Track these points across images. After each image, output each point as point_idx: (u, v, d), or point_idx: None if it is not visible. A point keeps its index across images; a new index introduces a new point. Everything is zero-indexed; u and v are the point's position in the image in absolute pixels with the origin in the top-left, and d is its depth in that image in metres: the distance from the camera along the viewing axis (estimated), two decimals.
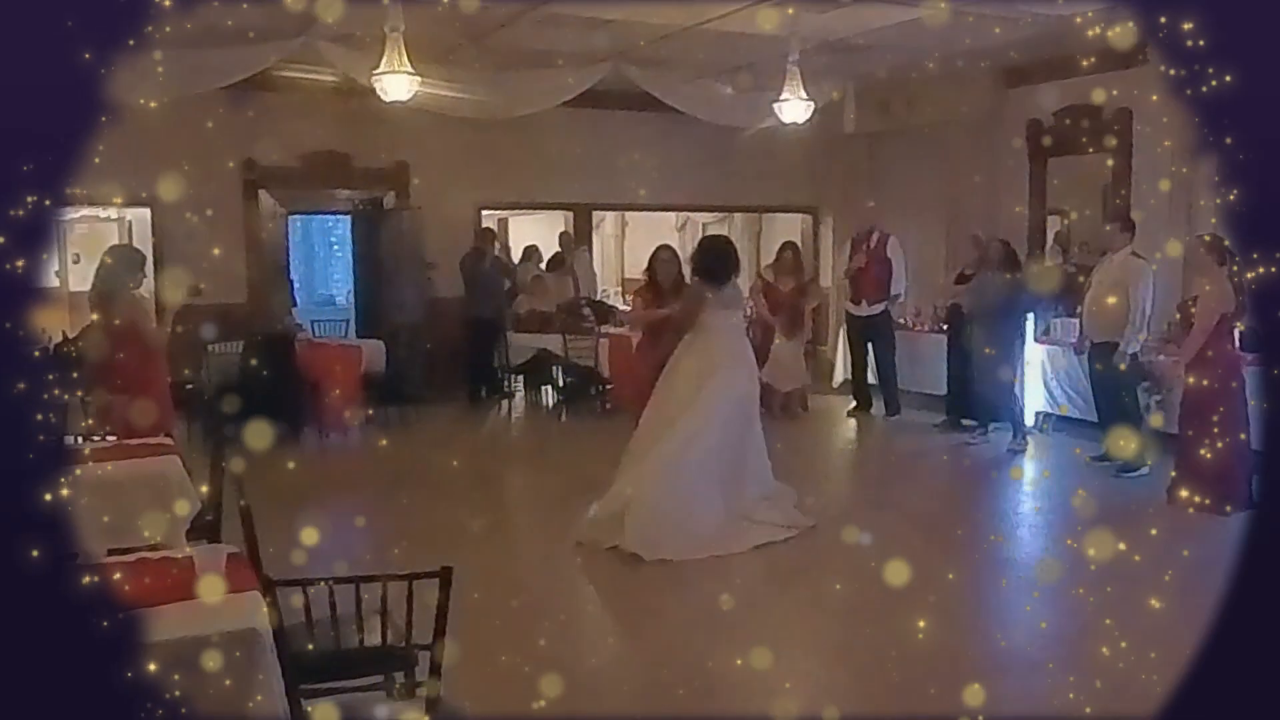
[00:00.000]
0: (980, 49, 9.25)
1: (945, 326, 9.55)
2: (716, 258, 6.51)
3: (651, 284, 6.98)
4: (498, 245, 12.37)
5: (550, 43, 8.89)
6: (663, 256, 7.04)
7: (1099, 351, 7.53)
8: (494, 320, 10.85)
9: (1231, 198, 2.15)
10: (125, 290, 5.52)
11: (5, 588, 2.01)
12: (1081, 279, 8.51)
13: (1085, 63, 9.64)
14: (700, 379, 6.18)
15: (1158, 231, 8.77)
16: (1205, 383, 6.42)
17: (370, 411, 9.61)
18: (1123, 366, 7.37)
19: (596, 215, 14.18)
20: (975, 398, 8.67)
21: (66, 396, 5.70)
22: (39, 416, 2.09)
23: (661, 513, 5.89)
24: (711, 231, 16.80)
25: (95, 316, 5.67)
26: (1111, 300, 7.42)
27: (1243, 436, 6.46)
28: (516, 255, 13.28)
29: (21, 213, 2.03)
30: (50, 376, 2.33)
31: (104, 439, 5.17)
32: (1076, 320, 8.71)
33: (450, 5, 7.66)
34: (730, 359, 6.33)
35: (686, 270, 6.82)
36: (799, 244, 11.53)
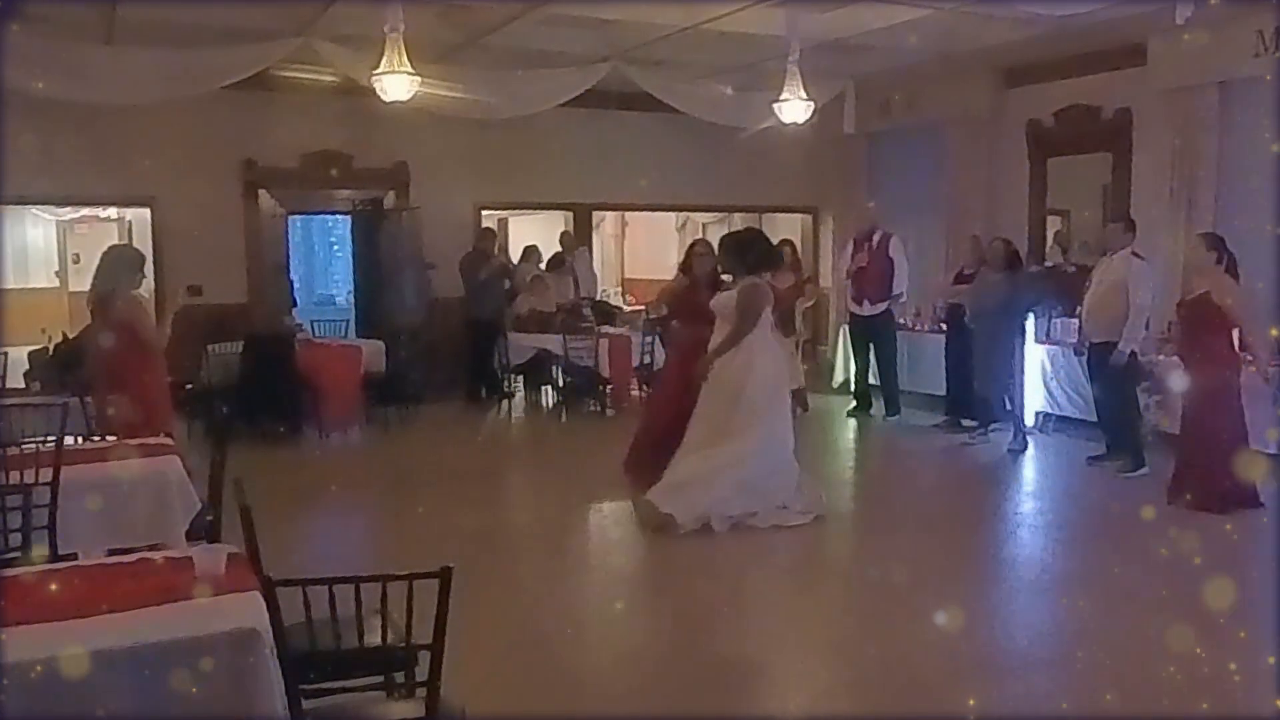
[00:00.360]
0: (980, 49, 9.25)
1: (944, 326, 9.55)
2: (768, 249, 6.75)
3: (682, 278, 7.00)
4: (497, 246, 12.35)
5: (550, 43, 8.89)
6: (699, 250, 7.06)
7: (1098, 351, 7.51)
8: (493, 321, 10.84)
9: None
10: (123, 290, 5.50)
11: None
12: (1083, 279, 8.50)
13: (1085, 63, 9.67)
14: (776, 376, 6.41)
15: (1158, 231, 8.78)
16: (1204, 383, 6.41)
17: (370, 412, 9.61)
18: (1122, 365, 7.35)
19: (596, 215, 14.17)
20: (975, 398, 8.67)
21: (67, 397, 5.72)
22: None
23: (716, 484, 6.12)
24: (712, 232, 16.78)
25: (94, 317, 5.67)
26: (1111, 300, 7.40)
27: (1242, 436, 6.45)
28: (516, 255, 13.27)
29: None
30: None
31: (104, 439, 5.17)
32: (1076, 320, 8.70)
33: (450, 5, 7.68)
34: (782, 354, 6.70)
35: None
36: (796, 243, 11.51)
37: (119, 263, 5.64)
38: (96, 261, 5.74)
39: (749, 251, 6.52)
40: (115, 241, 14.62)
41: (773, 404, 6.36)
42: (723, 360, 6.30)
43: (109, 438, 5.14)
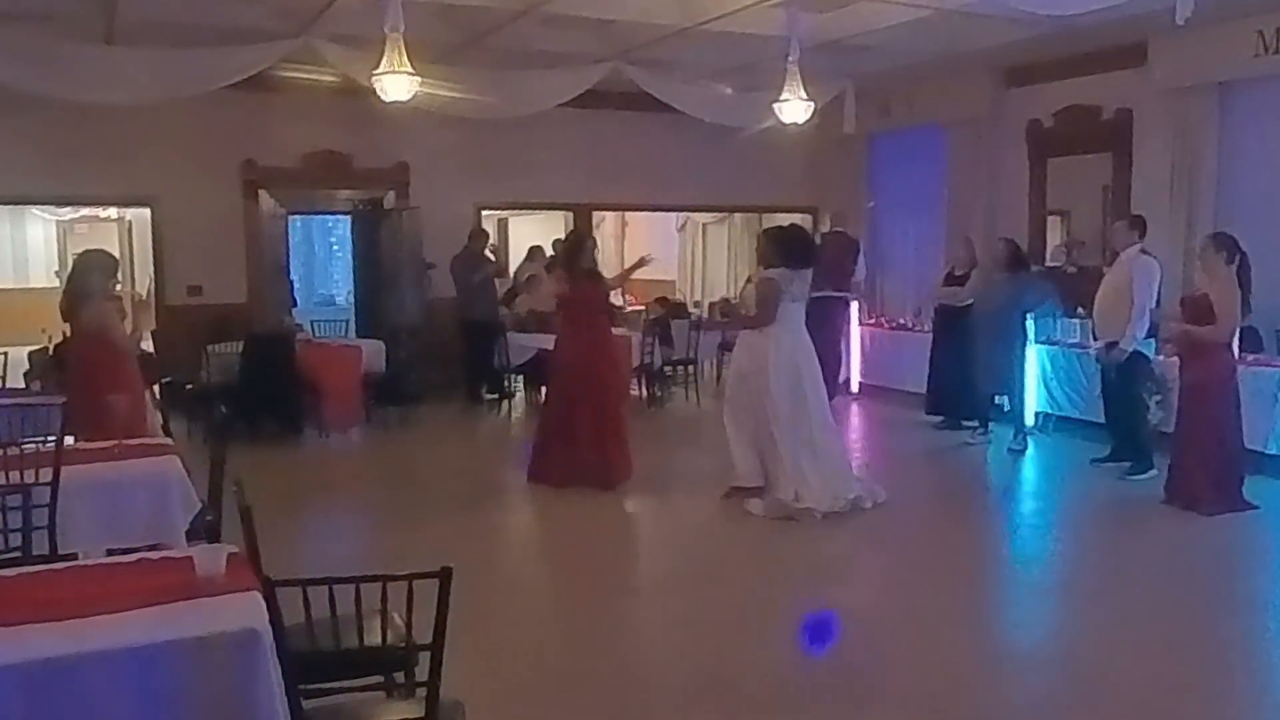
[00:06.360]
0: (980, 49, 9.25)
1: (932, 327, 9.54)
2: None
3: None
4: (490, 246, 12.31)
5: (550, 43, 8.89)
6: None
7: (1108, 352, 7.39)
8: (487, 321, 10.82)
9: None
10: (93, 296, 5.49)
11: None
12: (1084, 281, 8.47)
13: (1085, 63, 9.67)
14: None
15: (1158, 231, 8.77)
16: (1200, 382, 6.40)
17: (370, 412, 9.61)
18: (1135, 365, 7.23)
19: (596, 215, 14.17)
20: (977, 398, 8.66)
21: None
22: None
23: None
24: (711, 232, 16.75)
25: (66, 323, 5.66)
26: (1118, 300, 7.23)
27: (1236, 436, 6.45)
28: (516, 255, 13.28)
29: None
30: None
31: (78, 442, 5.13)
32: (1077, 321, 8.68)
33: (450, 5, 7.68)
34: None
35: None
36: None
37: (90, 268, 5.62)
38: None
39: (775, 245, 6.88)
40: (117, 241, 14.66)
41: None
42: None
43: (81, 443, 5.12)
